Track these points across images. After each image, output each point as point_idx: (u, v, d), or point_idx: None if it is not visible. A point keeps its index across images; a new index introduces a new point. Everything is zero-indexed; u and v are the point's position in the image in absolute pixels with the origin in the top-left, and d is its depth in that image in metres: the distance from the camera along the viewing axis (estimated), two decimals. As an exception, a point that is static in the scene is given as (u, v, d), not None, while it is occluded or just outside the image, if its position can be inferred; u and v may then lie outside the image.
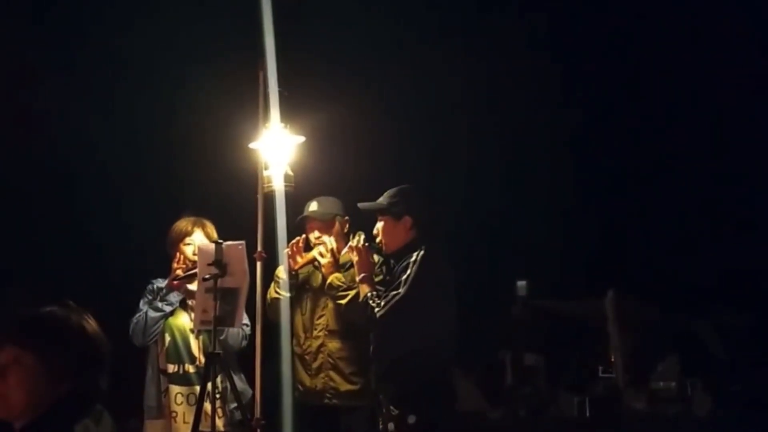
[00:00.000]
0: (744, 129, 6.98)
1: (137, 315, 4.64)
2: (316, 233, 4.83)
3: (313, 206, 4.87)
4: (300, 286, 4.87)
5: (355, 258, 4.44)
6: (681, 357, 6.99)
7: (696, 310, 7.21)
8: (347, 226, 4.90)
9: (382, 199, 4.42)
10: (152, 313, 4.62)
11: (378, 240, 4.41)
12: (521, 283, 7.43)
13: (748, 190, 7.04)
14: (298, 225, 4.87)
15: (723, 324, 7.17)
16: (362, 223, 4.63)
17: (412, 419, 4.08)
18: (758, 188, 6.99)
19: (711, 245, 7.09)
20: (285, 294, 4.74)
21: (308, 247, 4.85)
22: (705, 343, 7.16)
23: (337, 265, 4.68)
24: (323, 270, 4.71)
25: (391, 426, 4.15)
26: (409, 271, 4.15)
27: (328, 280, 4.67)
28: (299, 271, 4.85)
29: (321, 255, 4.71)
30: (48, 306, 2.14)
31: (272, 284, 4.79)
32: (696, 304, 7.16)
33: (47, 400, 2.04)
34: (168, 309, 4.63)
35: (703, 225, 7.20)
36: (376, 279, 4.49)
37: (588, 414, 6.79)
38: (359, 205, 4.53)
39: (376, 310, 4.18)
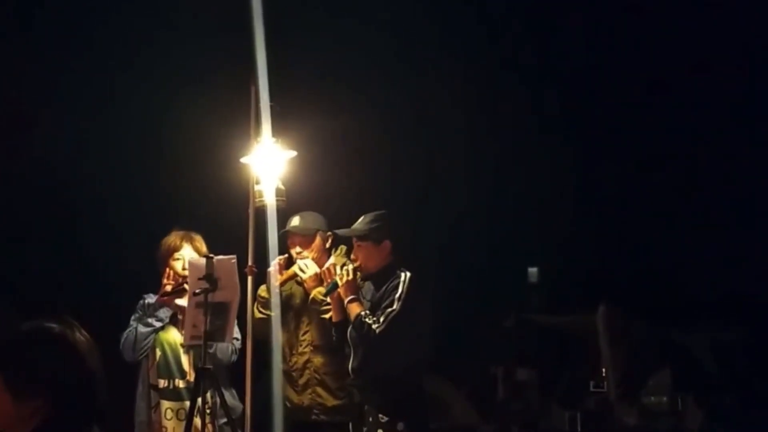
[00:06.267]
0: (736, 145, 6.99)
1: (127, 330, 4.65)
2: (298, 248, 4.84)
3: (295, 221, 4.88)
4: (283, 302, 4.86)
5: (341, 281, 4.46)
6: (672, 371, 6.98)
7: (687, 324, 7.21)
8: (330, 240, 4.90)
9: (360, 225, 4.49)
10: (142, 329, 4.61)
11: (357, 264, 4.50)
12: (532, 270, 7.49)
13: (741, 205, 7.04)
14: (280, 240, 4.87)
15: (715, 338, 7.17)
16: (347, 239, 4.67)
17: (401, 426, 4.23)
18: (752, 203, 7.00)
19: (703, 259, 7.09)
20: (270, 313, 4.74)
21: (291, 262, 4.86)
22: (696, 357, 7.16)
23: (319, 280, 4.70)
24: (305, 285, 4.73)
25: None
26: (401, 290, 4.32)
27: (311, 295, 4.69)
28: (282, 288, 4.85)
29: (302, 270, 4.73)
30: (43, 320, 2.01)
31: (255, 304, 4.76)
32: (687, 319, 7.16)
33: (14, 422, 1.96)
34: (158, 324, 4.63)
35: (695, 239, 7.20)
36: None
37: (580, 428, 6.79)
38: (338, 231, 4.62)
39: (374, 326, 4.28)
